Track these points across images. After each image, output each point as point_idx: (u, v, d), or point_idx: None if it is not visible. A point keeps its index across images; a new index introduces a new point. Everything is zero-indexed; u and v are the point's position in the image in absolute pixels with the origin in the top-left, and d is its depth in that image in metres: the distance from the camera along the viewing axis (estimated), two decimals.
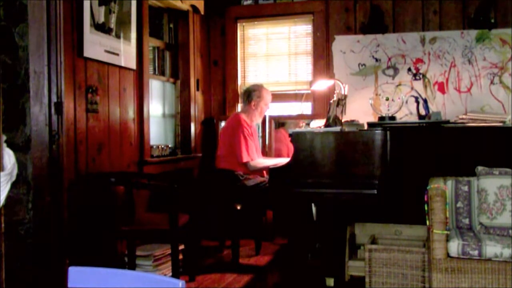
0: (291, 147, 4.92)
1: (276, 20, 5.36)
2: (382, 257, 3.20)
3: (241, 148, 4.27)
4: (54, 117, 3.14)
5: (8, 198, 2.73)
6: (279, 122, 5.27)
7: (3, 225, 2.73)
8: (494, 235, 3.02)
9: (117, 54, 3.81)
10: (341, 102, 3.86)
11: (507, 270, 2.78)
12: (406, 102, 4.74)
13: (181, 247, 3.80)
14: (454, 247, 2.84)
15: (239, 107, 5.47)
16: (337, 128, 3.45)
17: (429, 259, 2.98)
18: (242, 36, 5.45)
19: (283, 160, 4.23)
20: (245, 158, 4.27)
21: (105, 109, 3.70)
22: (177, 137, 5.08)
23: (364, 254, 3.25)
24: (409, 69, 4.88)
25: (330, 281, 3.44)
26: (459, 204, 3.20)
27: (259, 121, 4.76)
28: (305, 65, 5.29)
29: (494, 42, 4.68)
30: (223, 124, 5.25)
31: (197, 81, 5.19)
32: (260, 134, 5.10)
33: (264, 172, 4.40)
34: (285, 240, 4.82)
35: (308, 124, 4.66)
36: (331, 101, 3.92)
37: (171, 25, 5.01)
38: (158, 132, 4.81)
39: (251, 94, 4.54)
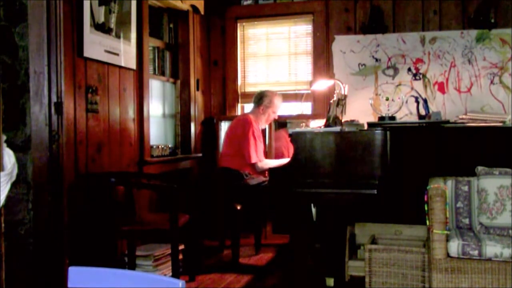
0: (291, 147, 4.91)
1: (276, 20, 5.36)
2: (382, 257, 3.20)
3: (250, 149, 4.33)
4: (54, 117, 3.13)
5: (8, 198, 2.73)
6: (280, 122, 5.27)
7: (3, 225, 2.73)
8: (494, 235, 3.03)
9: (117, 54, 3.81)
10: (341, 102, 3.86)
11: (507, 270, 2.78)
12: (406, 102, 4.74)
13: (181, 247, 3.80)
14: (454, 247, 2.84)
15: (239, 108, 5.47)
16: (337, 128, 3.45)
17: (429, 259, 2.98)
18: (242, 36, 5.45)
19: (286, 160, 4.24)
20: (253, 159, 4.34)
21: (105, 109, 3.70)
22: (177, 137, 5.08)
23: (364, 254, 3.25)
24: (409, 69, 4.88)
25: (330, 281, 3.44)
26: (459, 204, 3.20)
27: (265, 126, 4.78)
28: (305, 65, 5.29)
29: (494, 42, 4.68)
30: (223, 124, 5.25)
31: (197, 81, 5.19)
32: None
33: (267, 172, 4.41)
34: (285, 240, 4.82)
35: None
36: (331, 101, 3.92)
37: (171, 25, 5.01)
38: (158, 132, 4.81)
39: (262, 99, 4.58)
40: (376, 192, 3.19)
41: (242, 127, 4.44)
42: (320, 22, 5.12)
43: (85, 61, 3.48)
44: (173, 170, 4.64)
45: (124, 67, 3.92)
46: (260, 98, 4.60)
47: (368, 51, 4.95)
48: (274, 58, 5.39)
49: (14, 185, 2.75)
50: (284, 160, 4.40)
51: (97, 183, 3.54)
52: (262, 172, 4.42)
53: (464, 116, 3.92)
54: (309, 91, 5.06)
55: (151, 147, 4.36)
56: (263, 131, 5.05)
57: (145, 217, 3.87)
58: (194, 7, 5.00)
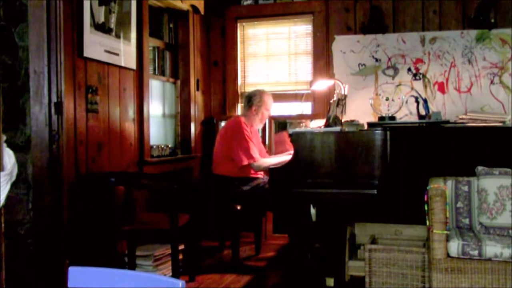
0: None
1: (276, 20, 5.36)
2: (382, 257, 3.20)
3: (242, 151, 4.21)
4: (54, 117, 3.13)
5: (8, 198, 2.73)
6: (280, 122, 5.27)
7: (3, 225, 2.73)
8: (494, 235, 3.03)
9: (117, 54, 3.81)
10: (341, 102, 3.86)
11: (507, 270, 2.78)
12: (406, 102, 4.74)
13: (181, 247, 3.80)
14: (454, 247, 2.84)
15: (239, 108, 5.46)
16: (337, 128, 3.45)
17: (429, 259, 2.98)
18: (242, 36, 5.45)
19: (287, 157, 4.17)
20: (247, 160, 4.22)
21: (105, 109, 3.70)
22: (177, 137, 5.08)
23: (364, 254, 3.25)
24: (409, 69, 4.88)
25: (330, 281, 3.44)
26: (459, 204, 3.21)
27: (260, 126, 4.69)
28: (305, 65, 5.29)
29: (494, 42, 4.68)
30: (223, 124, 5.23)
31: (197, 81, 5.19)
32: (260, 134, 5.09)
33: (263, 172, 4.38)
34: (284, 240, 4.82)
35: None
36: (331, 101, 3.92)
37: (171, 25, 5.01)
38: (158, 132, 4.81)
39: (252, 99, 4.48)
40: (376, 192, 3.19)
41: (232, 130, 4.34)
42: (320, 22, 5.12)
43: (85, 61, 3.48)
44: (173, 170, 4.64)
45: (124, 67, 3.92)
46: (249, 99, 4.50)
47: (368, 51, 4.95)
48: (274, 58, 5.38)
49: (14, 185, 2.76)
50: (283, 157, 4.31)
51: (97, 183, 3.54)
52: (262, 170, 4.33)
53: (464, 116, 3.92)
54: (309, 91, 5.06)
55: (151, 147, 4.36)
56: (263, 127, 5.02)
57: (145, 217, 3.87)
58: (194, 7, 5.00)
